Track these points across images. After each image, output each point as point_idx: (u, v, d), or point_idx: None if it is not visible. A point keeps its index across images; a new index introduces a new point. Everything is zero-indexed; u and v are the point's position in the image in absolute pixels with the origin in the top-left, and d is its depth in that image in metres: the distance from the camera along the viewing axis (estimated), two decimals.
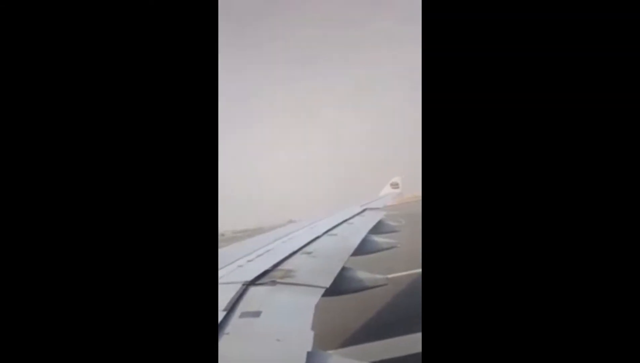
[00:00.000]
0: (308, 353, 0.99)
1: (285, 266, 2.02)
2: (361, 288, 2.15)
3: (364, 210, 5.10)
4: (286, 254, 2.25)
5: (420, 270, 7.03)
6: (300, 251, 2.43)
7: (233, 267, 2.00)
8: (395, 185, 7.59)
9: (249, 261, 2.16)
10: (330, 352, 1.08)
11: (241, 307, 1.33)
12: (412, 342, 3.50)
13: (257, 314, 1.28)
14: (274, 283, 1.67)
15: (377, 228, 3.92)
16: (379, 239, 3.43)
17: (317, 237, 2.97)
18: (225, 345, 0.98)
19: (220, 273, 1.87)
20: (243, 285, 1.60)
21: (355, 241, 2.89)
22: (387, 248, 3.41)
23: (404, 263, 6.80)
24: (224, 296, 1.40)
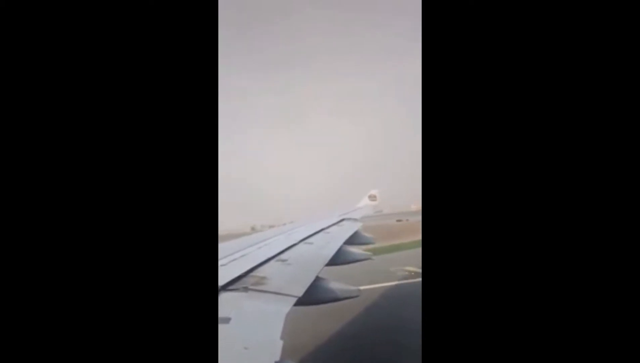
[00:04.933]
0: None
1: (259, 272, 2.00)
2: (333, 299, 2.16)
3: (341, 220, 5.13)
4: (261, 260, 2.23)
5: (393, 283, 7.13)
6: (275, 258, 2.41)
7: None
8: (373, 197, 7.73)
9: (222, 265, 2.12)
10: None
11: None
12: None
13: (226, 320, 1.26)
14: (246, 289, 1.65)
15: (353, 239, 3.96)
16: (354, 250, 3.47)
17: (293, 245, 2.96)
18: None
19: None
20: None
21: (331, 251, 2.91)
22: (362, 260, 3.45)
23: (377, 275, 6.88)
24: None
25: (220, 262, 2.19)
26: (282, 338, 1.18)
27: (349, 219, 5.43)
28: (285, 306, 1.53)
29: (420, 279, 7.25)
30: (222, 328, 1.20)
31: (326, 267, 2.47)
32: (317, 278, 2.10)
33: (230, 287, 1.66)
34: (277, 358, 1.02)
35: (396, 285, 6.97)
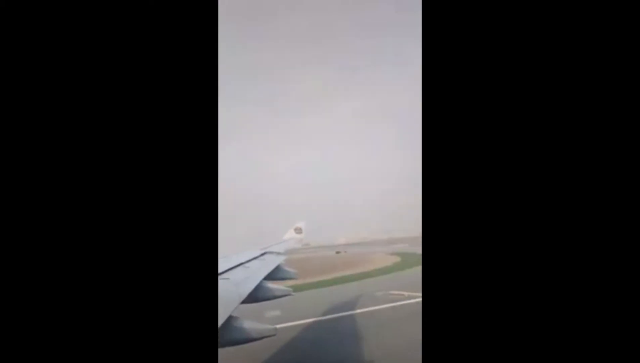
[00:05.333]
0: None
1: None
2: (247, 339, 2.01)
3: (263, 253, 4.96)
4: None
5: (312, 319, 7.01)
6: None
7: None
8: (298, 230, 7.73)
9: None
10: None
11: None
12: None
13: None
14: None
15: (274, 274, 3.83)
16: (273, 286, 3.35)
17: None
18: None
19: None
20: None
21: (248, 288, 2.75)
22: (281, 296, 3.34)
23: (296, 312, 6.71)
24: None
25: None
26: None
27: (271, 252, 5.28)
28: None
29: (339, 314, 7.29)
30: None
31: (243, 305, 2.31)
32: (231, 317, 1.94)
33: None
34: None
35: (320, 321, 6.87)
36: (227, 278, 2.96)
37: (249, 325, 2.05)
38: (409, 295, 8.89)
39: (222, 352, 1.84)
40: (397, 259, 21.45)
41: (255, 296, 2.81)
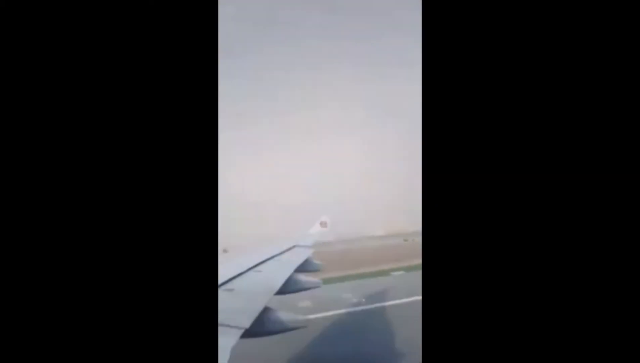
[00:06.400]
0: None
1: None
2: (281, 329, 2.11)
3: (293, 247, 5.08)
4: None
5: (339, 311, 7.11)
6: (222, 287, 2.30)
7: None
8: (323, 224, 7.82)
9: None
10: None
11: None
12: None
13: None
14: None
15: (304, 266, 3.93)
16: (303, 278, 3.44)
17: (241, 273, 2.85)
18: None
19: None
20: None
21: (280, 280, 2.85)
22: (311, 287, 3.43)
23: (325, 304, 6.82)
24: None
25: None
26: None
27: (300, 246, 5.40)
28: (231, 338, 1.46)
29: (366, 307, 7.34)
30: None
31: (275, 296, 2.41)
32: (266, 308, 2.04)
33: None
34: None
35: (346, 312, 6.96)
36: (260, 271, 3.09)
37: (284, 316, 2.14)
38: None
39: (259, 340, 1.94)
40: None
41: (287, 287, 2.91)
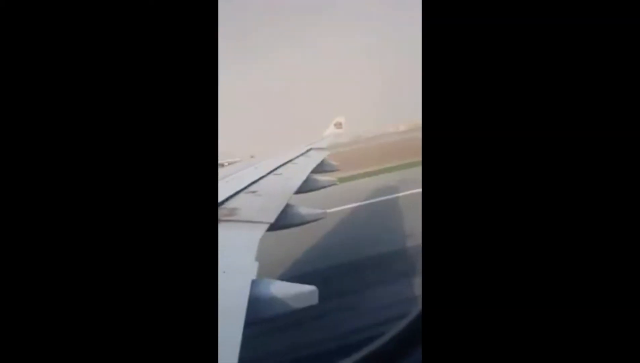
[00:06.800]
0: (253, 281, 1.10)
1: (230, 205, 2.06)
2: (302, 222, 2.33)
3: (308, 150, 5.19)
4: (230, 194, 2.28)
5: (355, 204, 7.67)
6: (245, 191, 2.47)
7: None
8: (339, 125, 7.73)
9: None
10: (273, 279, 1.21)
11: None
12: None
13: None
14: (218, 221, 1.72)
15: (320, 167, 4.09)
16: (320, 178, 3.62)
17: (262, 177, 3.01)
18: None
19: None
20: None
21: (298, 181, 3.02)
22: (327, 186, 3.64)
23: (341, 199, 7.33)
24: None
25: None
26: (257, 259, 1.29)
27: (316, 148, 5.49)
28: (259, 231, 1.64)
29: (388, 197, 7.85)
30: None
31: (295, 195, 2.59)
32: (287, 205, 2.21)
33: None
34: (254, 277, 1.14)
35: (360, 205, 7.54)
36: (280, 174, 3.25)
37: (304, 210, 2.34)
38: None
39: (284, 232, 2.19)
40: None
41: (305, 187, 3.10)
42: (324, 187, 3.57)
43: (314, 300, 1.14)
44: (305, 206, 2.40)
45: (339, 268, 4.02)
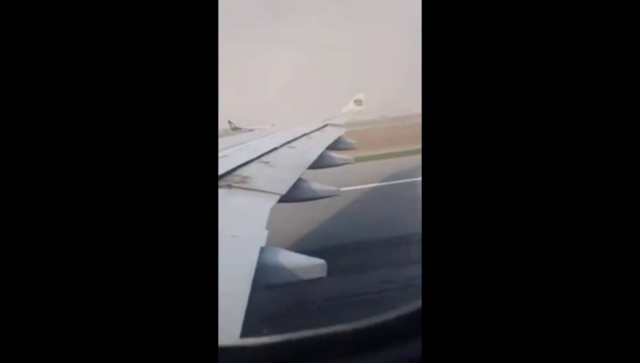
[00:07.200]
0: (261, 248, 1.10)
1: (242, 172, 2.05)
2: (314, 197, 2.31)
3: (325, 126, 5.10)
4: (243, 161, 2.26)
5: (370, 185, 7.63)
6: (258, 160, 2.45)
7: None
8: (358, 102, 7.53)
9: None
10: (282, 249, 1.21)
11: None
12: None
13: None
14: (229, 186, 1.72)
15: (335, 144, 4.02)
16: (335, 155, 3.56)
17: (276, 148, 2.99)
18: None
19: None
20: None
21: (313, 156, 2.98)
22: (342, 164, 3.59)
23: (356, 178, 7.29)
24: None
25: None
26: (267, 228, 1.29)
27: (332, 125, 5.39)
28: (270, 201, 1.63)
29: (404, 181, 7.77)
30: None
31: (308, 170, 2.56)
32: (300, 179, 2.19)
33: None
34: (263, 245, 1.13)
35: (379, 187, 7.49)
36: (294, 147, 3.21)
37: (317, 186, 2.31)
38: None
39: (294, 204, 2.18)
40: None
41: (319, 163, 3.06)
42: (339, 165, 3.52)
43: (323, 273, 1.13)
44: (318, 182, 2.38)
45: (345, 247, 4.04)
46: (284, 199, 1.79)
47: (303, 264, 1.16)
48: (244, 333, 0.69)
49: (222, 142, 3.14)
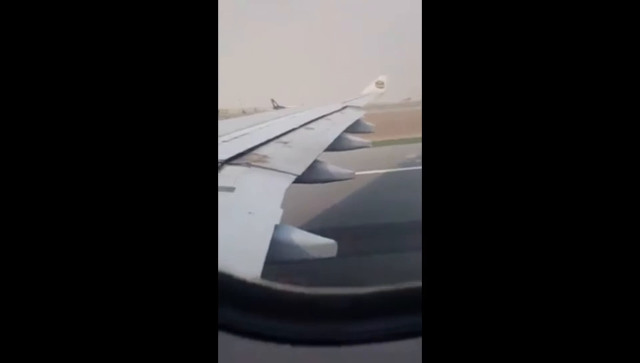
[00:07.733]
0: (276, 226, 1.15)
1: (261, 151, 2.10)
2: (330, 179, 2.34)
3: (344, 107, 5.04)
4: (262, 140, 2.30)
5: (387, 170, 7.56)
6: (276, 140, 2.49)
7: None
8: (380, 84, 7.34)
9: (224, 141, 2.20)
10: (295, 227, 1.25)
11: None
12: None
13: (231, 189, 1.40)
14: (248, 165, 1.77)
15: (354, 127, 3.99)
16: (353, 138, 3.54)
17: (294, 129, 3.00)
18: None
19: None
20: (219, 163, 1.67)
21: (331, 138, 2.98)
22: (360, 147, 3.57)
23: (372, 163, 7.22)
24: None
25: (221, 139, 2.26)
26: (282, 207, 1.34)
27: (352, 107, 5.31)
28: (286, 181, 1.67)
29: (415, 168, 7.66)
30: (226, 195, 1.34)
31: (325, 152, 2.58)
32: (316, 161, 2.22)
33: (233, 162, 1.77)
34: (278, 223, 1.18)
35: (394, 172, 7.42)
36: (312, 128, 3.22)
37: (333, 168, 2.34)
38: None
39: (311, 186, 2.22)
40: None
41: (337, 145, 3.06)
42: (356, 148, 3.51)
43: (333, 253, 1.18)
44: (334, 165, 2.40)
45: (356, 230, 4.09)
46: (299, 179, 1.83)
47: (315, 243, 1.21)
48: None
49: (242, 121, 3.18)
